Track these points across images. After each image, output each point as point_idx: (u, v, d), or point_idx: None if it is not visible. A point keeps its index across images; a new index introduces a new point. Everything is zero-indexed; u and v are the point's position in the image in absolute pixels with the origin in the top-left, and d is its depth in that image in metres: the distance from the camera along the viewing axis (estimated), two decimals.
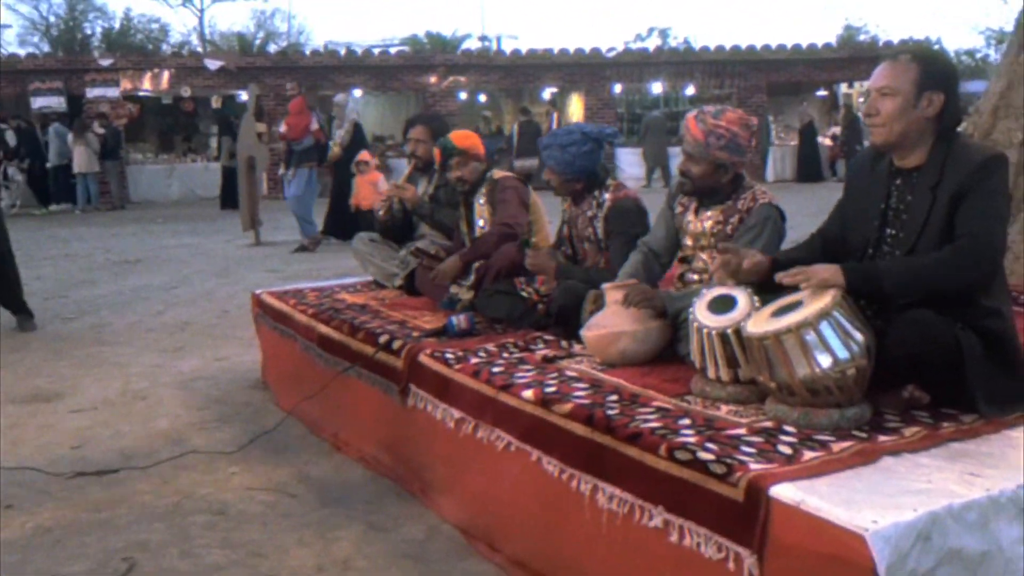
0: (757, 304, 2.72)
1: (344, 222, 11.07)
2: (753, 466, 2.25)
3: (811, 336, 2.47)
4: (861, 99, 27.57)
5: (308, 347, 4.37)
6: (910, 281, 2.54)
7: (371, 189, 10.74)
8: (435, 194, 4.75)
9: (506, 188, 4.31)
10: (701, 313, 2.82)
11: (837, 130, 21.20)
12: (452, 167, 4.36)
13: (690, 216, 3.44)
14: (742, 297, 2.79)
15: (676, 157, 3.62)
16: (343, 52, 21.46)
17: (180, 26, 60.11)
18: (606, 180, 3.88)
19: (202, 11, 38.08)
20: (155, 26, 37.05)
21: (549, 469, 2.79)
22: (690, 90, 22.04)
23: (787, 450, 2.36)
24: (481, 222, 4.36)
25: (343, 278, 5.47)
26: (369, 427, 3.94)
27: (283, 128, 10.98)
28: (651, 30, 37.11)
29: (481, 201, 4.38)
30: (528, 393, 2.94)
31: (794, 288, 2.58)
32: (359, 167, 10.84)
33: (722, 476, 2.25)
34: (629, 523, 2.49)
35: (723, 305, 2.80)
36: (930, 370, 2.49)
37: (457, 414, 3.26)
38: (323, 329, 4.24)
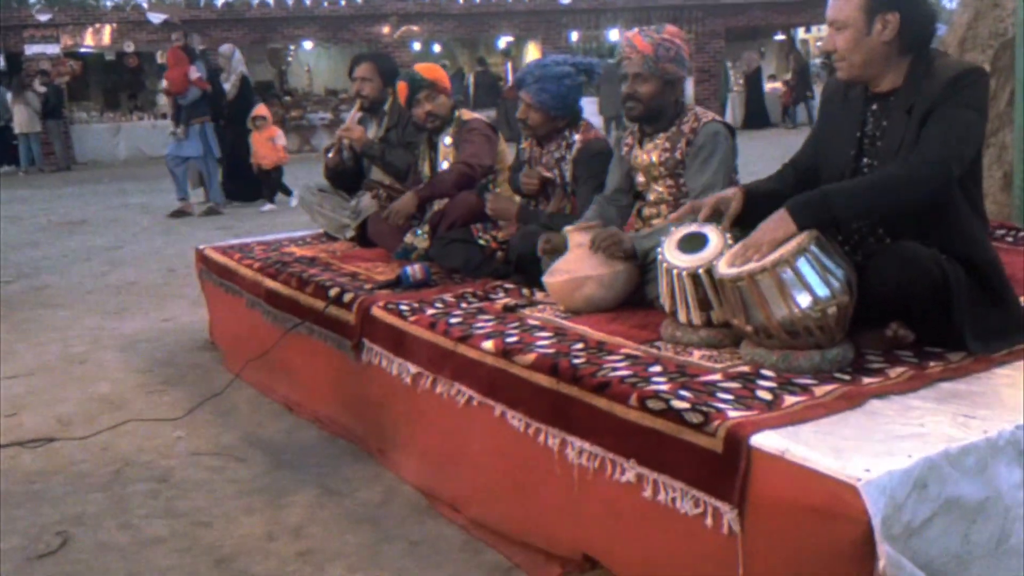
0: (729, 241, 2.54)
1: (246, 183, 10.53)
2: (731, 414, 2.09)
3: (788, 274, 2.29)
4: (819, 43, 27.44)
5: (255, 303, 4.13)
6: (860, 203, 2.35)
7: (269, 146, 10.22)
8: (386, 136, 4.48)
9: (473, 129, 4.07)
10: (670, 253, 2.63)
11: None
12: (420, 101, 4.07)
13: (636, 151, 3.26)
14: (713, 234, 2.60)
15: None
16: (291, 3, 20.78)
17: None
18: (580, 118, 3.66)
19: None
20: None
21: (514, 424, 2.61)
22: None
23: (767, 396, 2.19)
24: (445, 164, 4.12)
25: (292, 231, 5.21)
26: (322, 386, 3.73)
27: (164, 83, 10.23)
28: None
29: (447, 142, 4.13)
30: (488, 344, 2.75)
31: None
32: (255, 123, 10.19)
33: (698, 425, 2.08)
34: (600, 478, 2.32)
35: (693, 243, 2.61)
36: (916, 305, 2.33)
37: (414, 369, 3.06)
38: (270, 284, 4.01)
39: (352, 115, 4.54)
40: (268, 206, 10.40)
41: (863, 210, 2.38)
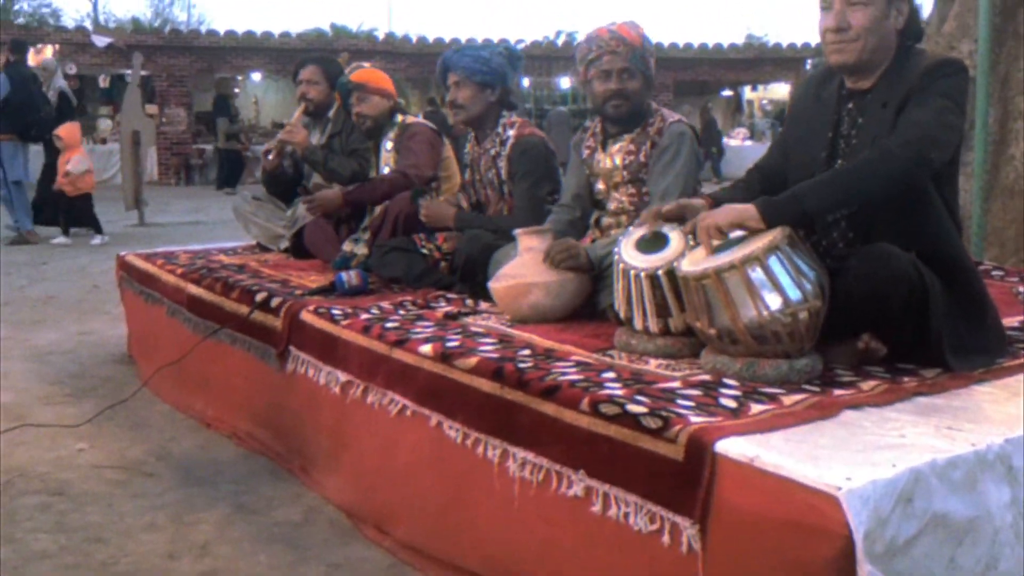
0: (692, 243, 2.34)
1: (45, 206, 9.50)
2: (694, 419, 1.87)
3: (757, 273, 2.10)
4: (764, 101, 27.96)
5: (176, 311, 3.84)
6: (831, 194, 2.18)
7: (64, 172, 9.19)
8: (329, 143, 4.25)
9: (415, 134, 3.86)
10: (628, 253, 2.43)
11: (743, 131, 21.32)
12: (353, 105, 3.89)
13: (599, 155, 3.08)
14: (675, 235, 2.41)
15: None
16: (241, 33, 20.53)
17: (73, 12, 57.53)
18: (514, 107, 3.48)
19: None
20: (46, 11, 35.05)
21: (451, 435, 2.36)
22: None
23: (731, 403, 1.99)
24: (387, 170, 3.90)
25: (223, 242, 4.92)
26: (242, 399, 3.43)
27: None
28: (559, 33, 36.87)
29: (388, 147, 3.91)
30: (426, 348, 2.51)
31: None
32: (57, 142, 9.16)
33: (657, 431, 1.86)
34: (544, 493, 2.08)
35: (653, 243, 2.42)
36: (891, 311, 2.14)
37: (344, 377, 2.81)
38: (193, 289, 3.72)
39: (296, 117, 4.30)
40: (97, 239, 9.24)
41: (836, 200, 2.21)
